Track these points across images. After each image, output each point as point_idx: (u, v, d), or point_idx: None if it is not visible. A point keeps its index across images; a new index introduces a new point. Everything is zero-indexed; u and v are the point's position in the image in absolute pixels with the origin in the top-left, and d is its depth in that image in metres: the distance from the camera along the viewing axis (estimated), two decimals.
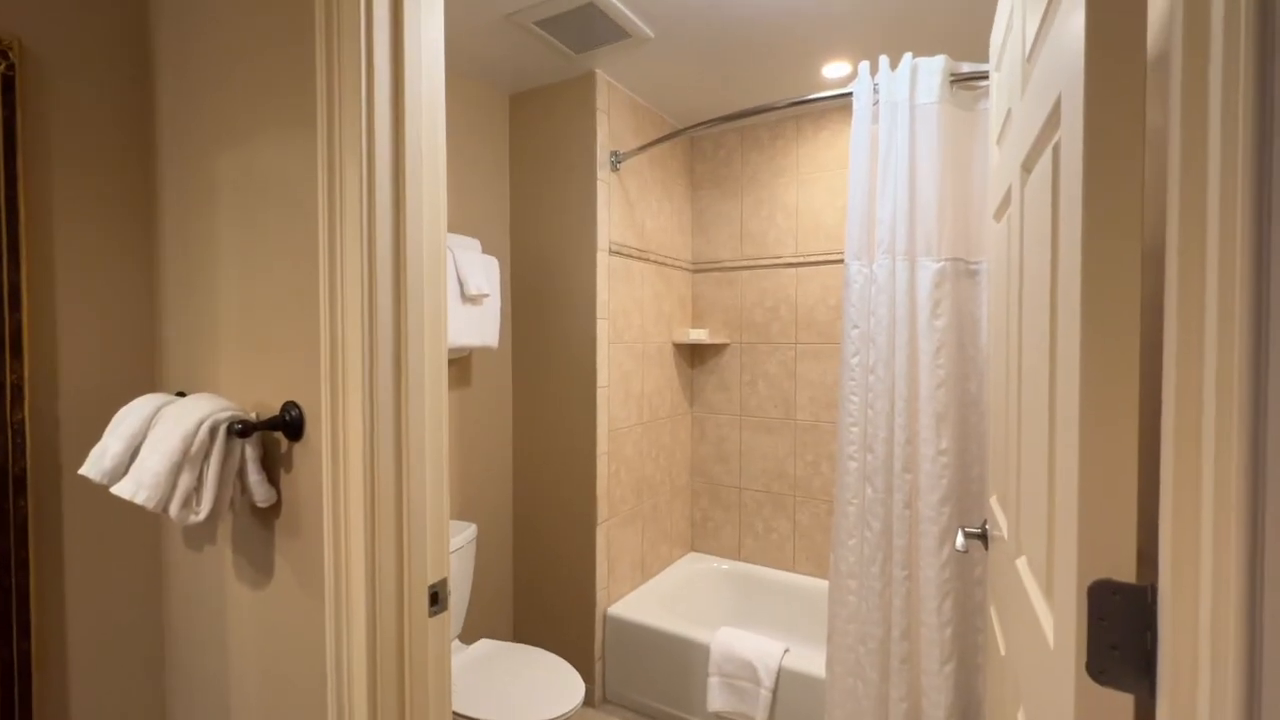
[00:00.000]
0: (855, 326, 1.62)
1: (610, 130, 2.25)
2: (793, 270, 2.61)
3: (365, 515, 0.93)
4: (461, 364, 2.18)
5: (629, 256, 2.37)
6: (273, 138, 1.05)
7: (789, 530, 2.65)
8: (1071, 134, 0.61)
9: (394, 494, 0.95)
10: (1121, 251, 0.53)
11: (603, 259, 2.22)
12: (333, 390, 0.94)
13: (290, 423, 1.01)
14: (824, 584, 2.53)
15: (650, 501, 2.56)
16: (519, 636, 2.44)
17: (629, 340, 2.39)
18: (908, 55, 1.58)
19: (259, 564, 1.11)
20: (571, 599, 2.29)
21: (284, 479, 1.06)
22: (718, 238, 2.79)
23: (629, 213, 2.38)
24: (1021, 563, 0.90)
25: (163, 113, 1.27)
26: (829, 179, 2.52)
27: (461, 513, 2.19)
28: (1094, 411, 0.56)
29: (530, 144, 2.34)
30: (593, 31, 1.88)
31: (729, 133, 2.74)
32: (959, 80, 1.55)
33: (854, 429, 1.60)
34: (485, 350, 2.24)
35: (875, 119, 1.64)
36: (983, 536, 1.31)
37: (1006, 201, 1.09)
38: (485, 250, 2.26)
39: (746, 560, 2.75)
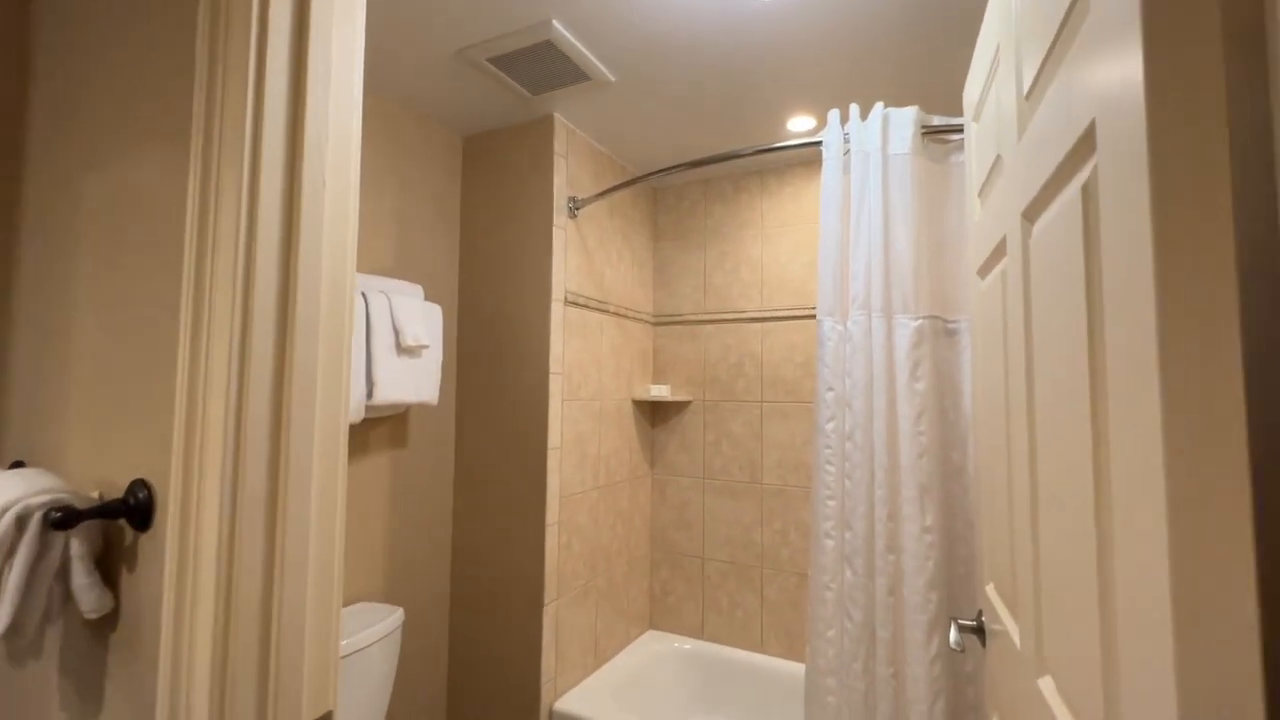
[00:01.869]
0: (830, 389, 1.49)
1: (569, 175, 2.14)
2: (758, 325, 2.51)
3: (215, 630, 0.70)
4: (396, 422, 1.96)
5: (586, 307, 2.23)
6: (144, 154, 0.87)
7: (756, 606, 2.44)
8: (1119, 157, 0.48)
9: (260, 600, 0.73)
10: (1216, 288, 0.40)
11: (558, 309, 2.07)
12: (185, 466, 0.73)
13: (136, 507, 0.79)
14: (797, 667, 2.31)
15: (606, 575, 2.32)
16: None
17: (585, 397, 2.22)
18: (879, 105, 1.52)
19: (87, 692, 0.85)
20: (514, 692, 2.01)
21: (125, 581, 0.82)
22: (680, 290, 2.68)
23: (587, 261, 2.25)
24: (1047, 686, 0.73)
25: (35, 118, 1.08)
26: (794, 234, 2.46)
27: (389, 594, 1.91)
28: (1196, 495, 0.41)
29: (483, 187, 2.21)
30: (551, 72, 1.79)
31: (692, 184, 2.67)
32: (930, 133, 1.49)
33: (830, 502, 1.44)
34: (423, 407, 2.03)
35: (846, 169, 1.56)
36: (979, 630, 1.14)
37: (999, 254, 0.98)
38: (429, 298, 2.08)
39: (711, 639, 2.52)
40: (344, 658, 1.55)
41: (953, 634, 1.10)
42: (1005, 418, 0.92)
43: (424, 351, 1.84)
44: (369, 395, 1.66)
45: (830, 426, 1.46)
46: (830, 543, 1.41)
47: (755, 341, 2.51)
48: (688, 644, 2.51)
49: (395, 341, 1.74)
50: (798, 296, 2.44)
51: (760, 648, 2.42)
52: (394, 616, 1.74)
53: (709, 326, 2.61)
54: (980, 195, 1.16)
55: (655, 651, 2.46)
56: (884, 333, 1.42)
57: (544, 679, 1.97)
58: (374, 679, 1.65)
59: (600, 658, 2.28)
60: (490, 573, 2.09)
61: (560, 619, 2.06)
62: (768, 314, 2.48)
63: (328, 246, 0.81)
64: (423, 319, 1.83)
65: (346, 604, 1.78)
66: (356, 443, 1.82)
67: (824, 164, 1.57)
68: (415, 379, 1.81)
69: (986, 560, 1.15)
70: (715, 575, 2.52)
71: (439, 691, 2.11)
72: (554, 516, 2.03)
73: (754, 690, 2.35)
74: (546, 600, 1.99)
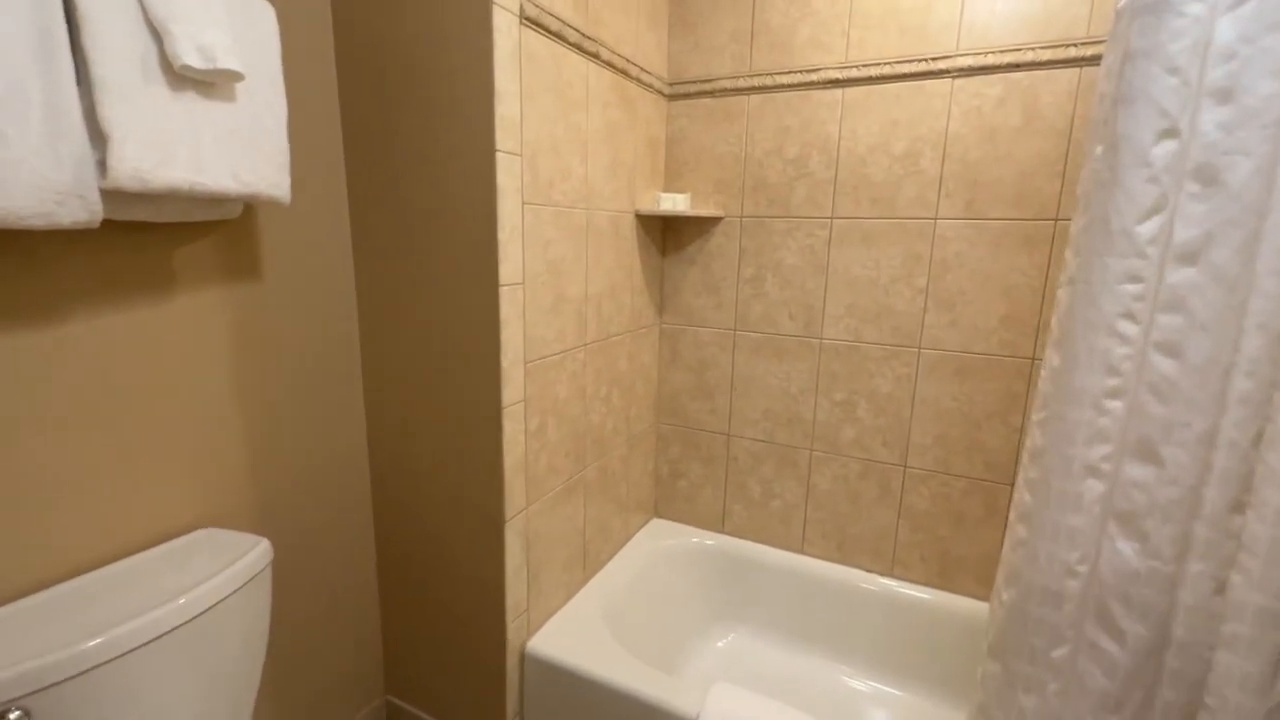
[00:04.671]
0: (1165, 135, 0.63)
1: None
2: (837, 94, 1.58)
3: None
4: (229, 236, 1.11)
5: (561, 39, 1.28)
6: None
7: (799, 497, 1.82)
8: None
9: None
10: None
11: (507, 28, 1.13)
12: None
13: None
14: (846, 573, 1.75)
15: (597, 464, 1.65)
16: (396, 694, 1.57)
17: (561, 201, 1.36)
18: None
19: None
20: (471, 637, 1.42)
21: None
22: (712, 39, 1.69)
23: None
24: None
25: None
26: None
27: (262, 514, 1.21)
28: None
29: None
30: None
31: None
32: None
33: (1112, 403, 0.67)
34: (276, 208, 1.17)
35: None
36: None
37: None
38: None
39: (733, 534, 1.94)
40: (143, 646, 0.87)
41: None
42: None
43: (240, 89, 0.94)
44: (101, 170, 0.80)
45: (1147, 229, 0.64)
46: (1096, 486, 0.68)
47: (830, 120, 1.60)
48: (708, 538, 1.93)
49: (155, 52, 0.83)
50: (914, 39, 1.48)
51: (800, 548, 1.84)
52: (252, 555, 1.05)
53: (756, 98, 1.67)
54: None
55: (662, 549, 1.88)
56: None
57: (510, 616, 1.36)
58: (223, 649, 1.00)
59: (591, 567, 1.68)
60: (426, 480, 1.39)
61: (533, 533, 1.40)
62: (857, 72, 1.54)
63: None
64: (228, 17, 0.90)
65: (167, 535, 1.07)
66: (113, 269, 1.00)
67: None
68: (226, 143, 0.93)
69: None
70: (745, 457, 1.87)
71: (370, 641, 1.51)
72: (516, 392, 1.28)
73: (791, 598, 1.81)
74: (510, 512, 1.32)
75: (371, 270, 1.33)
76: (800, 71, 1.60)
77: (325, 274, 1.29)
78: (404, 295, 1.31)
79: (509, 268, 1.21)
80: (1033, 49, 1.37)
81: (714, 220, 1.78)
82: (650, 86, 1.66)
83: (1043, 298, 1.45)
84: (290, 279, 1.22)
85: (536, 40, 1.21)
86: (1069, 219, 1.41)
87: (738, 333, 1.81)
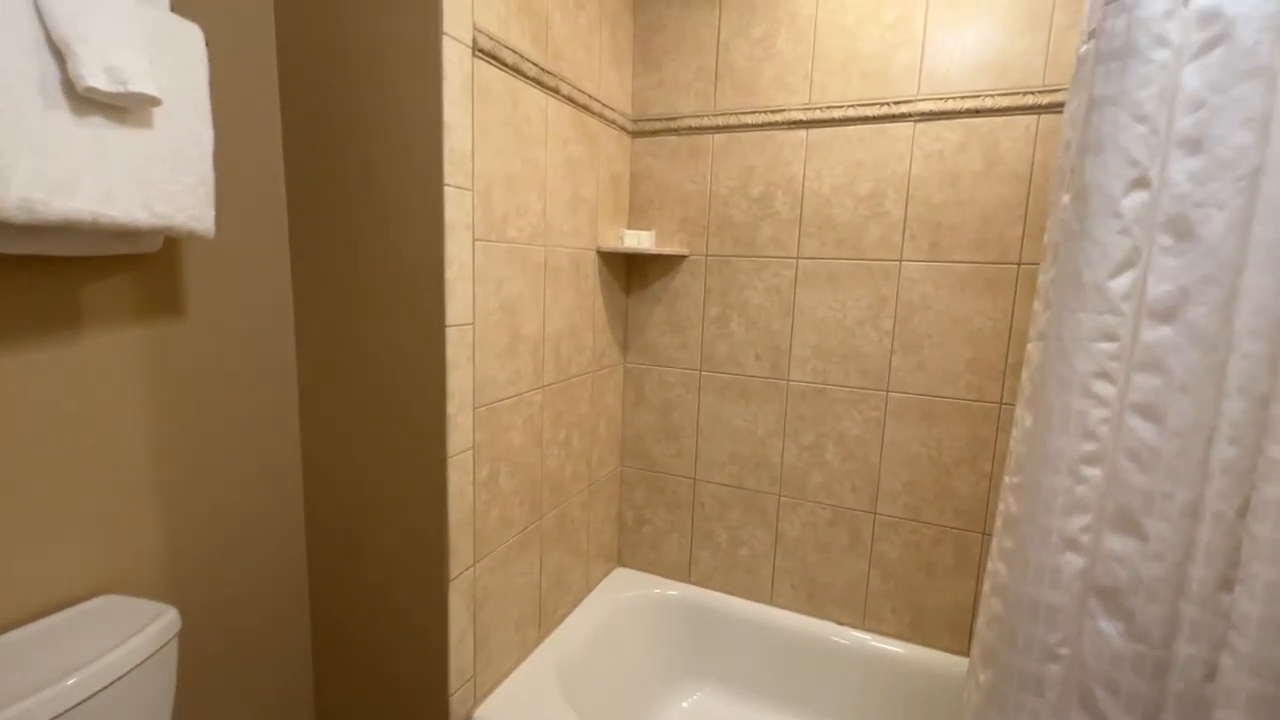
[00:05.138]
0: (1135, 185, 0.60)
1: None
2: (801, 134, 1.57)
3: None
4: (147, 271, 1.02)
5: (520, 73, 1.24)
6: None
7: (767, 545, 1.74)
8: None
9: None
10: None
11: (457, 58, 1.08)
12: None
13: None
14: (818, 625, 1.68)
15: (555, 512, 1.56)
16: None
17: (517, 237, 1.30)
18: None
19: None
20: (412, 706, 1.29)
21: None
22: (676, 76, 1.68)
23: None
24: None
25: None
26: None
27: (173, 576, 1.09)
28: None
29: None
30: None
31: None
32: None
33: (1090, 471, 0.62)
34: (199, 242, 1.08)
35: None
36: None
37: None
38: (216, 30, 1.04)
39: (701, 583, 1.85)
40: None
41: None
42: None
43: (153, 112, 0.87)
44: None
45: (1119, 283, 0.60)
46: (1076, 560, 0.62)
47: (794, 161, 1.58)
48: (671, 589, 1.84)
49: (56, 73, 0.76)
50: (876, 83, 1.48)
51: (769, 598, 1.76)
52: (155, 626, 0.93)
53: (720, 137, 1.65)
54: None
55: (625, 601, 1.78)
56: None
57: (455, 683, 1.25)
58: None
59: (548, 624, 1.58)
60: (366, 537, 1.28)
61: (482, 591, 1.30)
62: (820, 114, 1.54)
63: None
64: (146, 38, 0.84)
65: (59, 604, 0.95)
66: (3, 309, 0.90)
67: None
68: (140, 172, 0.85)
69: None
70: (712, 502, 1.80)
71: (300, 716, 1.37)
72: (463, 439, 1.20)
73: (760, 653, 1.72)
74: (455, 570, 1.22)
75: (312, 308, 1.25)
76: (764, 112, 1.59)
77: (259, 312, 1.20)
78: (346, 336, 1.22)
79: (458, 307, 1.14)
80: (991, 95, 1.38)
81: (679, 258, 1.74)
82: (613, 122, 1.63)
83: (1008, 342, 1.43)
84: (218, 317, 1.13)
85: (491, 73, 1.17)
86: (1032, 263, 1.40)
87: (704, 373, 1.76)
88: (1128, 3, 0.57)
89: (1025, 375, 0.71)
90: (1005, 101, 1.37)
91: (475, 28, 1.11)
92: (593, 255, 1.62)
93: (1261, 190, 0.52)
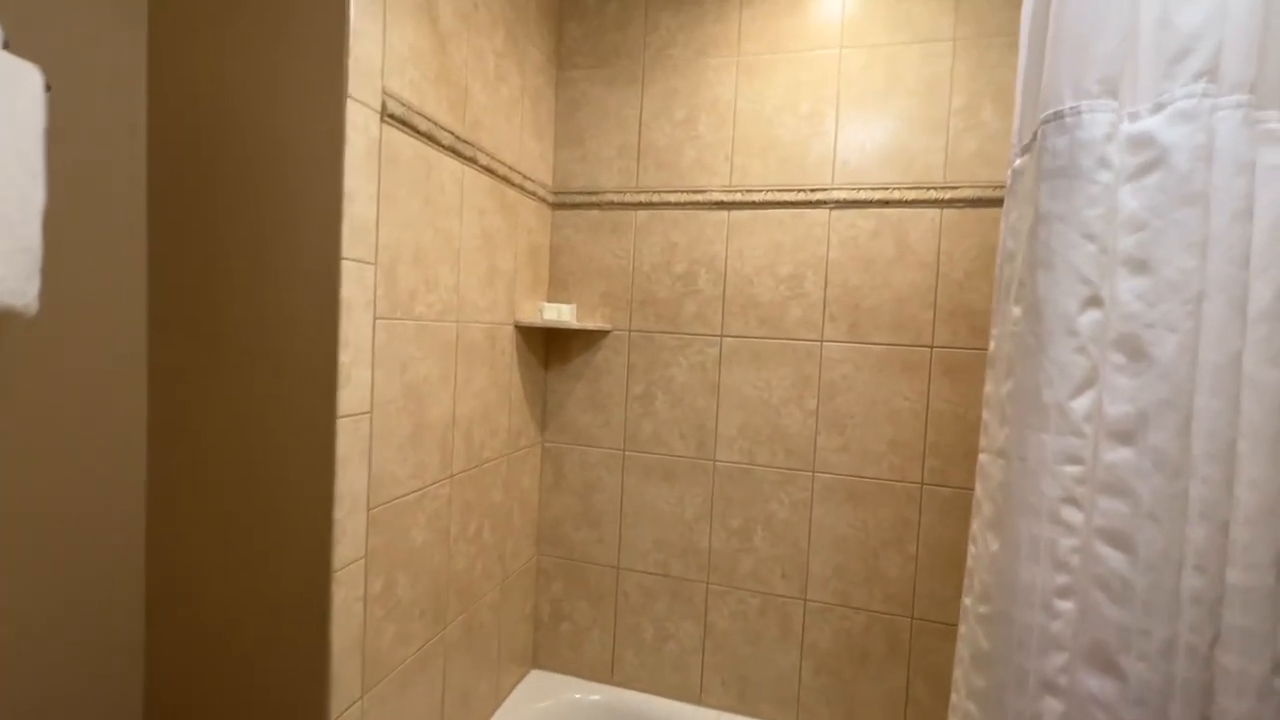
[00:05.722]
0: (1089, 304, 0.59)
1: None
2: (723, 215, 1.58)
3: None
4: None
5: (433, 140, 1.16)
6: None
7: (695, 638, 1.63)
8: None
9: None
10: None
11: (363, 125, 0.99)
12: None
13: None
14: None
15: (463, 617, 1.38)
16: None
17: (425, 314, 1.18)
18: None
19: None
20: None
21: None
22: (599, 151, 1.66)
23: (435, 47, 1.16)
24: None
25: None
26: (790, 67, 1.52)
27: None
28: None
29: None
30: None
31: None
32: None
33: (1060, 579, 0.58)
34: (18, 317, 0.88)
35: None
36: None
37: None
38: (64, 80, 0.87)
39: (625, 684, 1.69)
40: None
41: None
42: None
43: None
44: None
45: (1081, 404, 0.57)
46: (1055, 706, 0.57)
47: (717, 240, 1.59)
48: (593, 692, 1.67)
49: None
50: (793, 170, 1.53)
51: (698, 697, 1.63)
52: None
53: (643, 213, 1.63)
54: None
55: (540, 713, 1.59)
56: (1245, 144, 0.55)
57: None
58: None
59: None
60: (226, 676, 1.05)
61: None
62: (741, 196, 1.56)
63: None
64: None
65: None
66: None
67: None
68: None
69: None
70: (636, 593, 1.67)
71: None
72: (353, 548, 1.03)
73: None
74: (338, 708, 1.01)
75: (171, 398, 1.05)
76: (687, 191, 1.59)
77: (99, 401, 0.99)
78: (212, 434, 1.03)
79: (353, 395, 1.00)
80: (899, 189, 1.45)
81: (601, 333, 1.67)
82: (534, 194, 1.57)
83: (925, 422, 1.46)
84: (41, 407, 0.92)
85: (401, 140, 1.08)
86: (944, 347, 1.45)
87: (628, 453, 1.67)
88: (1068, 123, 0.59)
89: (982, 490, 0.69)
90: (912, 195, 1.44)
91: (385, 92, 1.02)
92: (510, 330, 1.51)
93: (1204, 314, 0.53)
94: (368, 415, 1.04)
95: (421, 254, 1.15)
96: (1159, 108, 0.56)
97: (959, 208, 1.42)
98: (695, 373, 1.61)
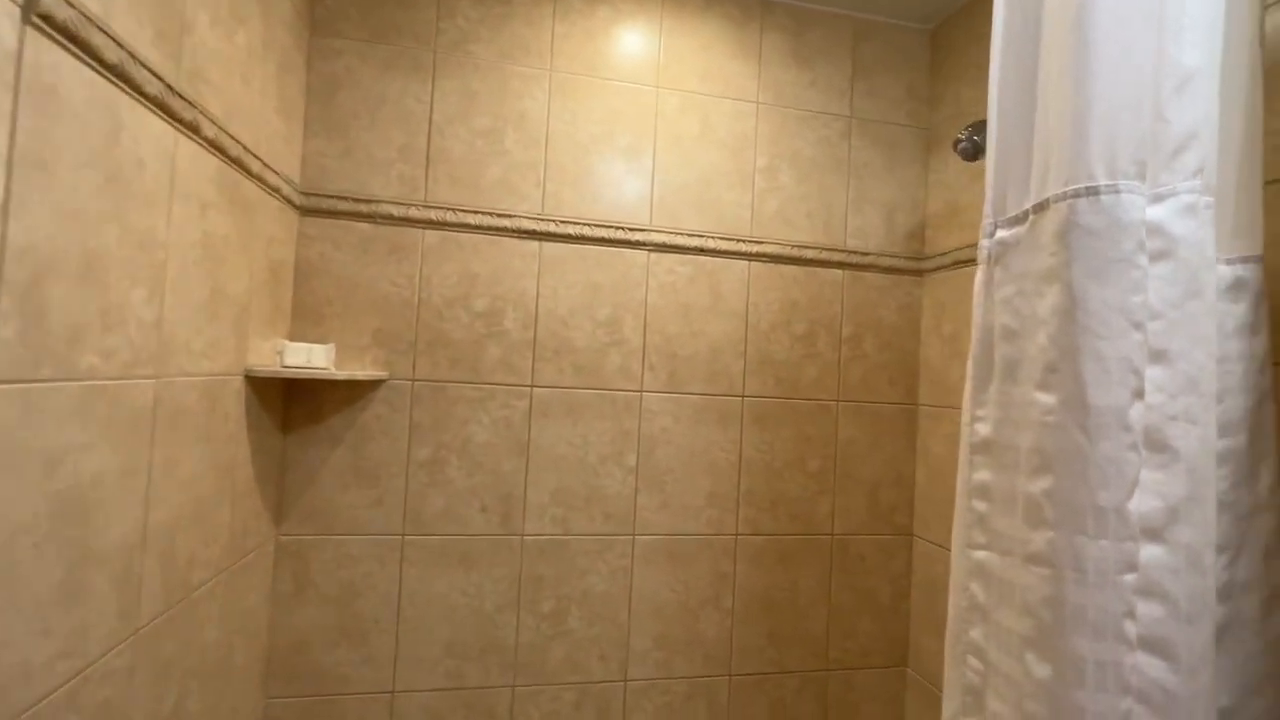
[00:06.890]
0: (1134, 379, 0.56)
1: None
2: (535, 245, 1.36)
3: None
4: None
5: (125, 82, 0.69)
6: None
7: None
8: None
9: None
10: None
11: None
12: None
13: None
14: None
15: None
16: None
17: (99, 369, 0.69)
18: None
19: None
20: None
21: None
22: (371, 148, 1.29)
23: None
24: None
25: None
26: (607, 94, 1.40)
27: None
28: None
29: None
30: None
31: None
32: None
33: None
34: None
35: None
36: None
37: None
38: None
39: None
40: None
41: None
42: None
43: None
44: None
45: (1134, 505, 0.53)
46: None
47: (527, 274, 1.36)
48: None
49: None
50: (609, 206, 1.40)
51: None
52: None
53: (433, 234, 1.31)
54: None
55: None
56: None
57: None
58: None
59: None
60: None
61: None
62: (555, 227, 1.36)
63: None
64: None
65: None
66: None
67: None
68: None
69: None
70: (420, 717, 1.29)
71: None
72: None
73: None
74: None
75: None
76: (491, 214, 1.33)
77: None
78: None
79: None
80: (713, 237, 1.44)
81: (372, 384, 1.28)
82: (276, 190, 1.12)
83: (739, 471, 1.45)
84: None
85: (67, 65, 0.61)
86: (754, 396, 1.47)
87: (408, 537, 1.29)
88: (1105, 202, 0.58)
89: (987, 595, 0.63)
90: (724, 245, 1.45)
91: None
92: (238, 383, 1.03)
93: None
94: None
95: (97, 266, 0.67)
96: (1160, 199, 0.59)
97: (764, 262, 1.47)
98: (500, 430, 1.34)
